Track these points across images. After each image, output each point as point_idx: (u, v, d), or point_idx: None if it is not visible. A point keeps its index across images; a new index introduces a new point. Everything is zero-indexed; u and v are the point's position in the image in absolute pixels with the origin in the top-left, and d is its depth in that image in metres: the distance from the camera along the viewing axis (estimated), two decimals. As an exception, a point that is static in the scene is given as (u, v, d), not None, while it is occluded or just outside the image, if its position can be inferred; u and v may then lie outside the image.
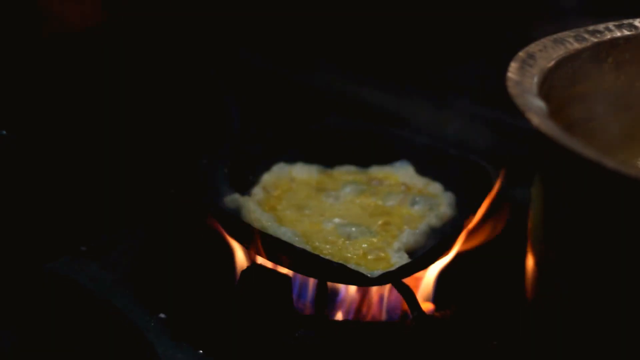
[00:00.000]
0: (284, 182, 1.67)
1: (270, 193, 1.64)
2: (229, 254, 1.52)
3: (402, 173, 1.71)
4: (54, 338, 1.54)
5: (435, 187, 1.67)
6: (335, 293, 1.48)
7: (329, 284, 1.45)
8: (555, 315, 1.15)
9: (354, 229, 1.54)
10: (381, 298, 1.48)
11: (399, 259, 1.46)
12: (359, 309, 1.48)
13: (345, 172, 1.72)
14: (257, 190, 1.64)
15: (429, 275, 1.50)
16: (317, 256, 1.43)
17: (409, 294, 1.41)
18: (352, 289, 1.48)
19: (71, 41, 1.80)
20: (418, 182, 1.69)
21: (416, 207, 1.61)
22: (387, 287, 1.46)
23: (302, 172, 1.70)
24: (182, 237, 1.60)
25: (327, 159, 1.73)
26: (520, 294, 1.24)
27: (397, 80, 2.01)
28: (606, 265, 1.06)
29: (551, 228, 1.14)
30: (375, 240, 1.53)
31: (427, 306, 1.47)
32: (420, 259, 1.44)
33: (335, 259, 1.44)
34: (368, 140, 1.76)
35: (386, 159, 1.73)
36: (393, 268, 1.42)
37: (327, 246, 1.50)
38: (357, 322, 1.46)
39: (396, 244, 1.50)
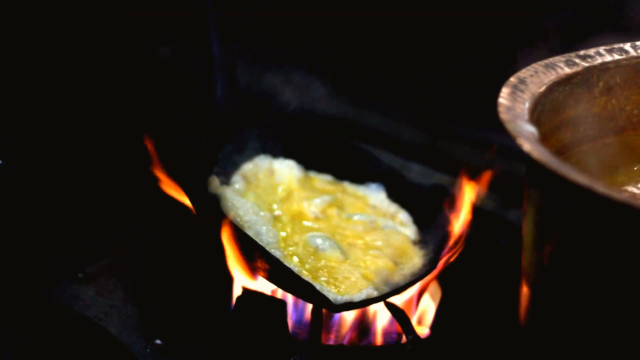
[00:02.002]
0: (264, 174, 1.65)
1: (251, 184, 1.62)
2: (226, 279, 1.52)
3: (374, 196, 1.67)
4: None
5: (404, 217, 1.63)
6: (330, 317, 1.48)
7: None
8: (550, 343, 1.16)
9: (328, 242, 1.51)
10: (376, 321, 1.48)
11: (365, 289, 1.43)
12: (354, 333, 1.49)
13: (323, 181, 1.69)
14: (236, 179, 1.62)
15: (423, 297, 1.51)
16: (288, 268, 1.41)
17: (402, 317, 1.42)
18: (349, 312, 1.48)
19: (70, 39, 1.81)
20: (388, 208, 1.65)
21: (381, 235, 1.57)
22: (382, 310, 1.47)
23: (283, 168, 1.67)
24: (178, 261, 1.61)
25: (306, 162, 1.70)
26: (515, 318, 1.25)
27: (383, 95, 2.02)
28: (599, 288, 1.07)
29: (542, 252, 1.15)
30: (346, 262, 1.50)
31: (421, 328, 1.48)
32: (386, 294, 1.42)
33: (305, 273, 1.44)
34: (348, 155, 1.72)
35: (360, 179, 1.69)
36: (357, 298, 1.41)
37: (296, 253, 1.49)
38: (353, 346, 1.46)
39: (371, 275, 1.48)
